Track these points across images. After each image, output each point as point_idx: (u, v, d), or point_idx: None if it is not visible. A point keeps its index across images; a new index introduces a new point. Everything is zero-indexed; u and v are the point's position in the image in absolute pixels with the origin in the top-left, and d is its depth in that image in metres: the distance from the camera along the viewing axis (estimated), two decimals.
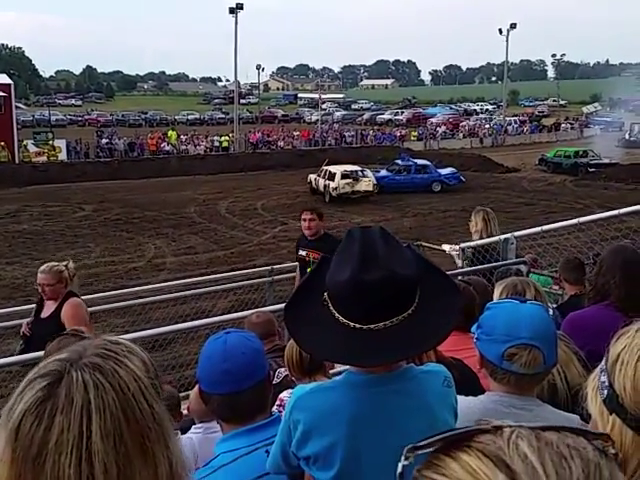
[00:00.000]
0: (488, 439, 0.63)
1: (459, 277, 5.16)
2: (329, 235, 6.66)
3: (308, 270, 5.92)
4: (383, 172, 32.02)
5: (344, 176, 28.88)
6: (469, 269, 5.85)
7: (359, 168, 30.08)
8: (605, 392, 1.14)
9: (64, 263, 5.21)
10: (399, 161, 32.78)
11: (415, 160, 32.82)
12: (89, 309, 6.80)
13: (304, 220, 6.43)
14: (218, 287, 8.32)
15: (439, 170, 31.89)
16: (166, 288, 8.60)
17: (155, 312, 8.03)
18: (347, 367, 1.70)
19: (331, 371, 3.57)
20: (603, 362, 1.17)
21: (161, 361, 7.71)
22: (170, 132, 46.54)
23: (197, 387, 2.04)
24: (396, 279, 1.49)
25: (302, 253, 6.46)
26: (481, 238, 6.43)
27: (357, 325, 1.51)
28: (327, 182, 29.02)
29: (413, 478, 0.64)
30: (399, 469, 0.64)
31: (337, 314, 1.54)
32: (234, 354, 1.88)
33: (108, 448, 0.97)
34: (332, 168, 29.49)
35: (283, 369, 3.51)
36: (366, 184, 29.01)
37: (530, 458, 0.59)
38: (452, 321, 1.59)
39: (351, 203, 27.70)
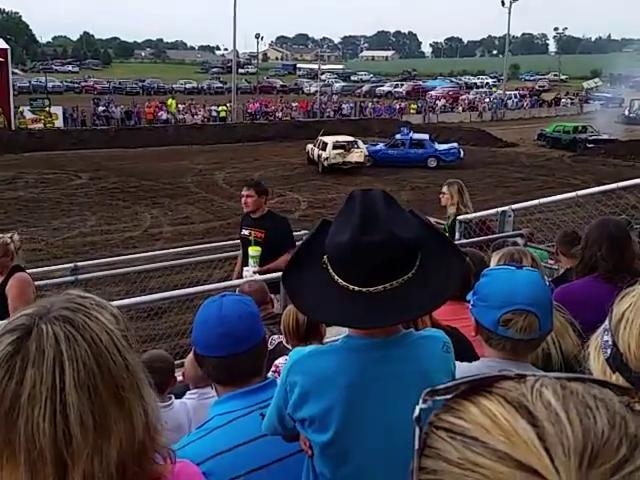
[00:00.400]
0: (511, 386, 0.61)
1: None
2: (273, 214, 6.52)
3: (250, 249, 5.95)
4: (379, 145, 31.53)
5: (336, 146, 28.82)
6: (465, 241, 5.84)
7: (352, 139, 29.85)
8: (608, 351, 1.13)
9: (9, 235, 4.83)
10: (399, 135, 31.98)
11: (413, 134, 32.01)
12: (85, 276, 6.81)
13: (242, 196, 6.35)
14: (213, 256, 8.29)
15: (436, 145, 30.97)
16: (162, 256, 8.58)
17: (150, 281, 8.01)
18: (342, 334, 1.69)
19: (325, 339, 3.58)
20: (607, 321, 1.16)
21: (157, 330, 7.73)
22: (170, 101, 46.16)
23: (192, 352, 2.04)
24: (397, 241, 1.47)
25: (245, 232, 6.30)
26: (458, 210, 6.48)
27: (356, 288, 1.49)
28: (320, 152, 28.98)
29: (429, 422, 0.62)
30: (416, 412, 0.62)
31: (336, 277, 1.52)
32: (230, 317, 1.87)
33: (83, 399, 0.97)
34: (326, 138, 29.46)
35: (276, 336, 3.52)
36: (357, 155, 28.83)
37: (554, 405, 0.57)
38: (453, 286, 1.58)
39: (347, 175, 27.61)
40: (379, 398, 1.56)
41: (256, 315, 1.97)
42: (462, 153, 31.05)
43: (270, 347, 3.39)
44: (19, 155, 31.56)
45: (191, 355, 2.10)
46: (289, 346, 3.20)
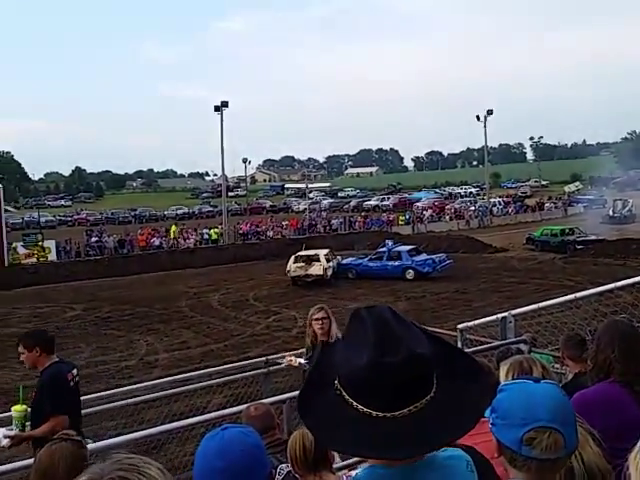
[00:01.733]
0: None
1: None
2: (50, 367, 5.16)
3: (13, 408, 5.04)
4: (363, 259, 32.05)
5: (297, 260, 30.09)
6: (469, 350, 5.73)
7: (317, 252, 30.71)
8: None
9: None
10: (383, 247, 32.48)
11: (393, 246, 32.30)
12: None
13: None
14: (212, 382, 8.09)
15: (413, 257, 30.79)
16: (158, 385, 8.36)
17: (148, 412, 7.76)
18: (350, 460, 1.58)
19: (334, 465, 3.40)
20: None
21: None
22: (172, 227, 47.79)
23: None
24: (417, 359, 1.38)
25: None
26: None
27: (380, 413, 1.38)
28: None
29: None
30: None
31: (355, 403, 1.41)
32: (231, 451, 1.77)
33: None
34: (301, 253, 30.79)
35: (285, 465, 3.34)
36: (317, 268, 29.50)
37: None
38: (486, 399, 1.51)
39: (341, 289, 27.74)
40: None
41: (259, 447, 1.87)
42: (446, 262, 31.12)
43: (278, 478, 3.21)
44: (12, 291, 31.57)
45: None
46: (298, 476, 3.04)
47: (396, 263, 30.48)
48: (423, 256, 31.43)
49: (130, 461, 1.14)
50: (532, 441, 1.76)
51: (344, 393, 1.43)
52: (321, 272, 29.36)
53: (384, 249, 31.89)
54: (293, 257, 30.47)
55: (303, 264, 29.76)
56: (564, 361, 4.98)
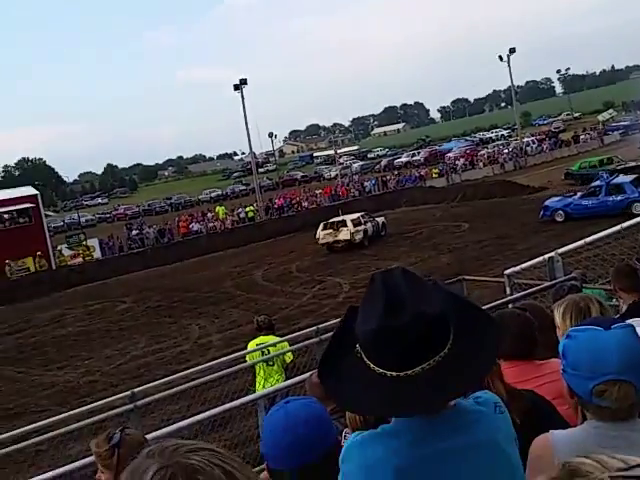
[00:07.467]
0: None
1: (510, 305, 4.99)
2: None
3: None
4: (572, 197, 27.76)
5: (325, 227, 30.38)
6: (519, 294, 5.66)
7: (344, 217, 30.50)
8: None
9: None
10: (597, 181, 28.06)
11: (613, 178, 27.82)
12: (144, 401, 6.75)
13: None
14: (266, 357, 8.19)
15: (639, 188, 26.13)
16: (215, 366, 8.50)
17: (209, 392, 7.91)
18: None
19: None
20: None
21: (224, 441, 7.55)
22: (218, 208, 47.95)
23: (265, 467, 1.93)
24: (425, 320, 1.43)
25: None
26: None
27: (394, 373, 1.45)
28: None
29: None
30: None
31: (372, 364, 1.48)
32: (296, 425, 1.78)
33: None
34: (330, 220, 30.87)
35: (348, 429, 3.36)
36: (344, 234, 29.53)
37: None
38: (493, 354, 1.56)
39: (384, 249, 27.65)
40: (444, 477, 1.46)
41: (324, 417, 1.88)
42: None
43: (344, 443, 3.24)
44: (63, 292, 32.36)
45: (265, 474, 1.98)
46: None
47: (618, 197, 25.95)
48: None
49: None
50: (602, 393, 1.72)
51: (363, 355, 1.50)
52: (348, 237, 29.42)
53: (599, 182, 27.44)
54: (322, 224, 30.75)
55: (331, 230, 30.04)
56: (617, 293, 4.87)
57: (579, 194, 27.61)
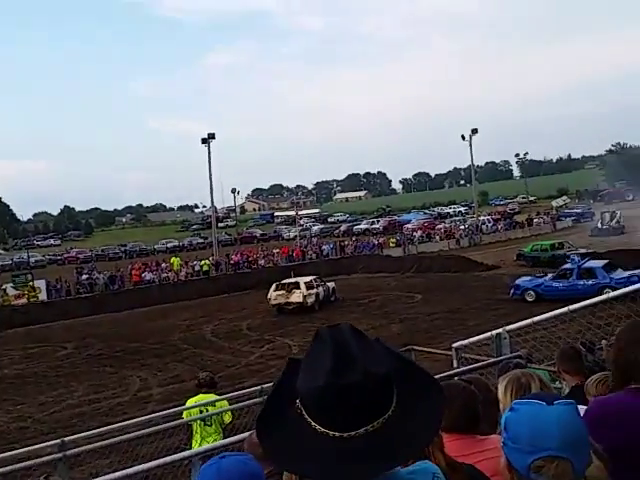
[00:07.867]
0: None
1: (456, 377, 4.98)
2: None
3: None
4: (543, 278, 27.63)
5: (277, 287, 30.10)
6: (465, 368, 5.67)
7: (298, 280, 30.49)
8: None
9: None
10: (568, 264, 27.89)
11: (585, 261, 27.59)
12: (73, 451, 6.45)
13: None
14: (207, 414, 7.96)
15: (610, 274, 25.86)
16: (151, 421, 8.22)
17: (142, 448, 7.61)
18: None
19: None
20: None
21: None
22: (173, 259, 47.54)
23: None
24: (376, 379, 1.38)
25: None
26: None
27: (336, 433, 1.38)
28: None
29: None
30: None
31: (312, 422, 1.41)
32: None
33: None
34: (283, 281, 30.68)
35: None
36: (297, 296, 29.39)
37: None
38: (437, 420, 1.49)
39: (336, 313, 27.56)
40: None
41: (259, 474, 1.81)
42: None
43: None
44: (3, 332, 31.26)
45: None
46: None
47: (589, 282, 25.62)
48: (620, 272, 26.25)
49: None
50: (540, 469, 1.69)
51: (304, 412, 1.43)
52: (300, 299, 29.23)
53: (570, 265, 27.41)
54: (274, 285, 30.41)
55: (283, 292, 29.74)
56: (561, 375, 4.91)
57: (550, 275, 27.67)
